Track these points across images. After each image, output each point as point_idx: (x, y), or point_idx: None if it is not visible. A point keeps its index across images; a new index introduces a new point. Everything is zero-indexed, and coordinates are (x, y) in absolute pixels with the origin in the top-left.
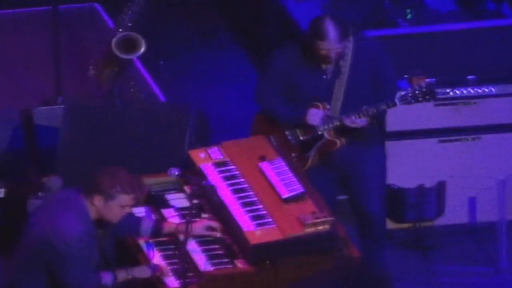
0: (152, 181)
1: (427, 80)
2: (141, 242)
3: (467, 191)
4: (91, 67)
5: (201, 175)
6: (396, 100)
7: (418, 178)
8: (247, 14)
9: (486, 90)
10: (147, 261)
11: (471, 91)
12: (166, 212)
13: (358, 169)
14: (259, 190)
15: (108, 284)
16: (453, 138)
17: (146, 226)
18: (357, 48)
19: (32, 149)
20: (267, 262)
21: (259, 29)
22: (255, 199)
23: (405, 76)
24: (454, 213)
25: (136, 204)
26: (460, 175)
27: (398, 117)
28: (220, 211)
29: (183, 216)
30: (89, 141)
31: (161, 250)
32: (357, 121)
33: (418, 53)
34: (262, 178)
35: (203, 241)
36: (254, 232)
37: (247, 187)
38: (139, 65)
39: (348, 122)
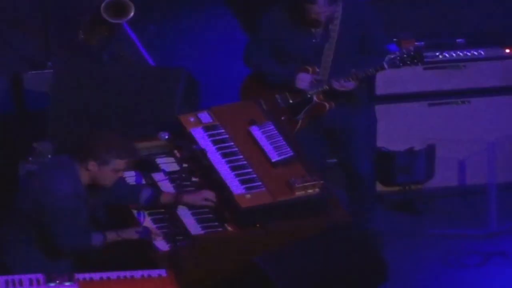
0: (142, 146)
1: (416, 43)
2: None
3: (456, 154)
4: (80, 31)
5: (191, 139)
6: (384, 64)
7: (408, 141)
8: None
9: (475, 53)
10: (137, 224)
11: (460, 54)
12: (156, 176)
13: (347, 131)
14: (248, 154)
15: (98, 245)
16: (442, 101)
17: (144, 196)
18: (346, 11)
19: (22, 114)
20: (257, 225)
21: None
22: (244, 162)
23: (394, 39)
24: (444, 176)
25: (128, 168)
26: (450, 138)
27: (387, 80)
28: (210, 175)
29: (173, 180)
30: (79, 104)
31: (151, 214)
32: (346, 85)
33: (407, 16)
34: (252, 142)
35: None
36: (244, 196)
37: (237, 151)
38: (128, 29)
39: (337, 85)
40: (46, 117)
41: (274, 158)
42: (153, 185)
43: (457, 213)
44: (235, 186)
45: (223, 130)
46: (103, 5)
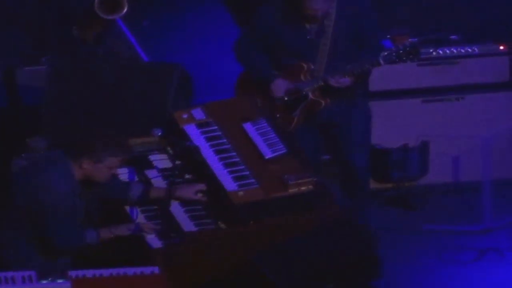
0: (135, 142)
1: (410, 40)
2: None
3: (451, 150)
4: (74, 27)
5: (184, 135)
6: (380, 59)
7: (402, 137)
8: None
9: (469, 49)
10: (129, 220)
11: (454, 50)
12: (149, 173)
13: (342, 126)
14: (242, 151)
15: (92, 242)
16: (436, 98)
17: (135, 190)
18: (341, 6)
19: (15, 109)
20: (251, 222)
21: None
22: (238, 159)
23: (388, 36)
24: (438, 172)
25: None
26: (444, 134)
27: (381, 77)
28: (203, 172)
29: (166, 177)
30: (72, 100)
31: (144, 211)
32: (342, 81)
33: (401, 12)
34: (246, 138)
35: (186, 202)
36: (237, 193)
37: (230, 147)
38: (122, 25)
39: (332, 82)
40: (39, 113)
41: (268, 155)
42: (146, 181)
43: (451, 209)
44: (228, 183)
45: (216, 127)
46: (97, 1)
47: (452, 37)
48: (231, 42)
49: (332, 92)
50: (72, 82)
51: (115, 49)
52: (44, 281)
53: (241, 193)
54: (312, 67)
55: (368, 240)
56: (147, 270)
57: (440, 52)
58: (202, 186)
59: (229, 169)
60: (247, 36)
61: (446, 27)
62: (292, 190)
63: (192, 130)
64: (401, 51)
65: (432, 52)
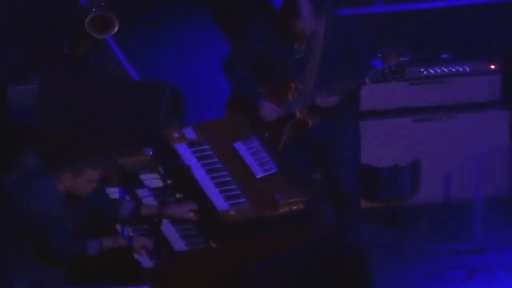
0: (126, 161)
1: (401, 59)
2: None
3: (442, 169)
4: (65, 45)
5: (175, 154)
6: (366, 78)
7: (393, 157)
8: None
9: (460, 68)
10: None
11: (445, 69)
12: (140, 192)
13: (330, 145)
14: (233, 170)
15: (94, 252)
16: (427, 116)
17: (126, 207)
18: (330, 26)
19: (5, 127)
20: (241, 241)
21: (234, 4)
22: (229, 178)
23: (379, 55)
24: (429, 191)
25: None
26: (435, 153)
27: (373, 96)
28: (194, 191)
29: (157, 196)
30: (63, 118)
31: (134, 230)
32: (329, 100)
33: (392, 31)
34: (237, 157)
35: (176, 220)
36: (228, 212)
37: (221, 167)
38: (112, 43)
39: (319, 101)
40: (30, 130)
41: (259, 174)
42: (137, 199)
43: (442, 228)
44: (219, 202)
45: (207, 146)
46: (87, 20)
47: (443, 56)
48: (222, 60)
49: (319, 111)
50: (62, 101)
51: (105, 67)
52: None
53: (232, 212)
54: (300, 86)
55: (359, 259)
56: None
57: (431, 71)
58: (193, 206)
59: (220, 188)
60: (235, 54)
61: (437, 46)
62: (283, 210)
63: (183, 149)
64: (386, 70)
65: (423, 71)
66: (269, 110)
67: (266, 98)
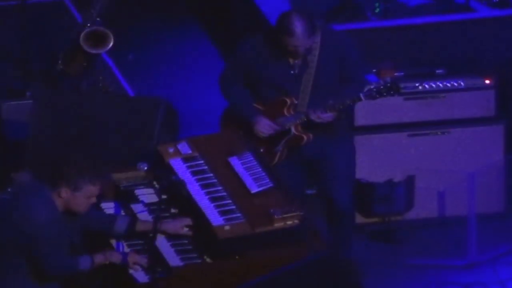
0: (121, 176)
1: (395, 74)
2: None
3: (436, 185)
4: (59, 61)
5: (170, 170)
6: (361, 95)
7: (388, 172)
8: (216, 7)
9: (455, 83)
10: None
11: (440, 84)
12: (135, 207)
13: (325, 161)
14: (228, 185)
15: (86, 268)
16: (422, 132)
17: (121, 223)
18: (324, 42)
19: (0, 144)
20: (236, 257)
21: (228, 22)
22: (224, 194)
23: (374, 70)
24: (424, 207)
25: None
26: (430, 168)
27: (367, 111)
28: (189, 206)
29: (152, 211)
30: (57, 134)
31: (130, 246)
32: (323, 116)
33: (387, 46)
34: (231, 173)
35: (171, 236)
36: (223, 227)
37: (216, 182)
38: (107, 59)
39: (314, 117)
40: (24, 147)
41: (254, 189)
42: (132, 214)
43: (436, 243)
44: (215, 217)
45: (202, 161)
46: (82, 35)
47: (438, 71)
48: (216, 76)
49: (314, 127)
50: (56, 117)
51: (100, 83)
52: None
53: (227, 227)
54: (296, 101)
55: (353, 274)
56: None
57: (426, 86)
58: (188, 221)
59: (215, 203)
60: (230, 71)
61: (432, 61)
62: (278, 224)
63: (178, 164)
64: (381, 87)
65: (418, 86)
66: (265, 126)
67: (262, 114)
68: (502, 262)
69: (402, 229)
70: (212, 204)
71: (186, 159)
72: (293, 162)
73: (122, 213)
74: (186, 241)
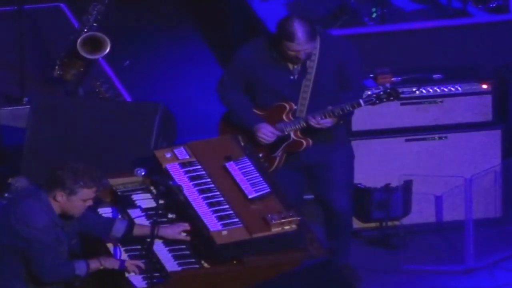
0: (118, 181)
1: (393, 79)
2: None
3: (433, 190)
4: (56, 67)
5: (167, 175)
6: (361, 101)
7: (385, 177)
8: (213, 13)
9: (452, 88)
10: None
11: (437, 89)
12: (132, 212)
13: (324, 167)
14: (225, 190)
15: (81, 274)
16: (419, 137)
17: (119, 227)
18: (324, 47)
19: None
20: (234, 262)
21: (225, 28)
22: (221, 199)
23: (371, 75)
24: (421, 212)
25: (97, 197)
26: (427, 173)
27: (364, 116)
28: (186, 211)
29: (149, 216)
30: (55, 140)
31: (127, 250)
32: (323, 122)
33: (384, 51)
34: (229, 178)
35: (169, 241)
36: (220, 232)
37: (214, 187)
38: (104, 64)
39: (313, 122)
40: (21, 153)
41: (251, 194)
42: (129, 219)
43: (434, 249)
44: (212, 223)
45: (199, 166)
46: (79, 40)
47: (435, 76)
48: (214, 81)
49: (314, 133)
50: (53, 122)
51: (97, 88)
52: None
53: (224, 232)
54: (295, 107)
55: (350, 280)
56: None
57: (423, 91)
58: (185, 226)
59: (212, 209)
60: (228, 76)
61: (429, 66)
62: (275, 230)
63: (175, 169)
64: (381, 93)
65: (415, 91)
66: (267, 133)
67: (262, 120)
68: (499, 268)
69: (399, 234)
70: (210, 209)
71: (184, 164)
72: (292, 168)
73: (120, 217)
74: (184, 246)
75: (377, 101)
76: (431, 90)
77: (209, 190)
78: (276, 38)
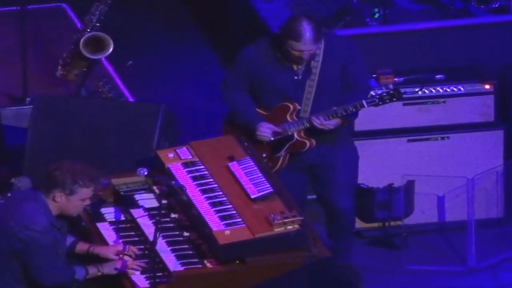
0: (121, 181)
1: (395, 79)
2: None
3: (436, 190)
4: (59, 67)
5: (169, 175)
6: (364, 102)
7: (387, 177)
8: (215, 14)
9: (454, 89)
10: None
11: (440, 90)
12: (135, 212)
13: (327, 167)
14: (228, 190)
15: (80, 279)
16: (421, 137)
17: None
18: (328, 47)
19: (0, 149)
20: (236, 261)
21: (228, 29)
22: (224, 199)
23: (373, 75)
24: (423, 212)
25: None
26: (429, 174)
27: (366, 116)
28: (189, 211)
29: (152, 216)
30: (57, 140)
31: (122, 236)
32: (326, 123)
33: (386, 52)
34: (231, 178)
35: (172, 241)
36: (223, 232)
37: (216, 187)
38: (107, 65)
39: (317, 123)
40: (24, 153)
41: (254, 194)
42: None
43: (436, 249)
44: (214, 222)
45: (202, 166)
46: (82, 41)
47: (437, 76)
48: (216, 82)
49: (317, 133)
50: (56, 122)
51: (99, 88)
52: None
53: (227, 232)
54: (299, 107)
55: (352, 280)
56: None
57: (426, 91)
58: (120, 247)
59: (215, 209)
60: (232, 77)
61: (431, 66)
62: (278, 230)
63: (177, 169)
64: (384, 94)
65: (417, 91)
66: (266, 130)
67: (264, 119)
68: (501, 268)
69: (402, 234)
70: (213, 209)
71: (186, 164)
72: (295, 168)
73: (122, 217)
74: (187, 246)
75: (380, 102)
76: (433, 90)
77: (212, 190)
78: (281, 37)
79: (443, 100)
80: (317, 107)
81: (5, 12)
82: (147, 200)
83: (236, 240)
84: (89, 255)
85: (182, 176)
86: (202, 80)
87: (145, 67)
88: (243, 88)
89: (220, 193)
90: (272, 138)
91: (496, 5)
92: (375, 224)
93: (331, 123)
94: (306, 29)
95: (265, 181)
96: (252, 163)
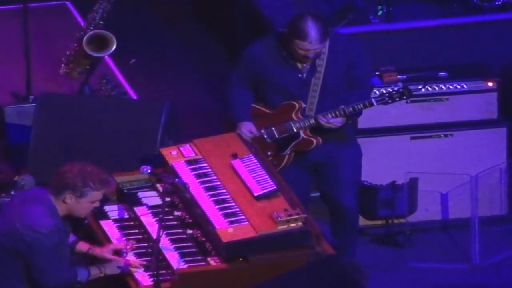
0: (124, 179)
1: (398, 76)
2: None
3: (439, 188)
4: (62, 65)
5: (173, 172)
6: (373, 101)
7: (391, 175)
8: (218, 12)
9: (457, 86)
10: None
11: (443, 87)
12: (138, 210)
13: (332, 165)
14: (231, 188)
15: (82, 281)
16: (425, 134)
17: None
18: (333, 46)
19: (3, 147)
20: (240, 259)
21: (230, 26)
22: (227, 196)
23: (377, 73)
24: (427, 210)
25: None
26: (432, 171)
27: (370, 114)
28: (192, 209)
29: (156, 214)
30: (60, 138)
31: (133, 248)
32: (333, 121)
33: (390, 50)
34: (235, 175)
35: (175, 239)
36: (226, 230)
37: (220, 184)
38: (110, 63)
39: (323, 121)
40: (27, 151)
41: (257, 192)
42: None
43: (439, 247)
44: (218, 220)
45: (205, 164)
46: (85, 38)
47: (441, 74)
48: (220, 80)
49: (323, 131)
50: (59, 120)
51: (103, 86)
52: None
53: (231, 230)
54: (304, 105)
55: (356, 278)
56: None
57: (429, 89)
58: (114, 245)
59: (218, 206)
60: (236, 74)
61: (435, 64)
62: (281, 227)
63: (181, 167)
64: (393, 92)
65: (420, 89)
66: (245, 131)
67: (269, 118)
68: (505, 265)
69: (405, 232)
70: (216, 207)
71: (189, 162)
72: (299, 166)
73: (126, 215)
74: (190, 244)
75: (390, 101)
76: (436, 88)
77: (215, 187)
78: (286, 36)
79: (446, 97)
80: (322, 105)
81: (8, 10)
82: (151, 198)
83: (239, 238)
84: (89, 257)
85: (185, 173)
86: (205, 78)
87: (148, 65)
88: (247, 86)
89: (224, 190)
90: (250, 137)
91: (500, 3)
92: (379, 222)
93: (338, 121)
94: (312, 28)
95: (269, 179)
96: (256, 161)
